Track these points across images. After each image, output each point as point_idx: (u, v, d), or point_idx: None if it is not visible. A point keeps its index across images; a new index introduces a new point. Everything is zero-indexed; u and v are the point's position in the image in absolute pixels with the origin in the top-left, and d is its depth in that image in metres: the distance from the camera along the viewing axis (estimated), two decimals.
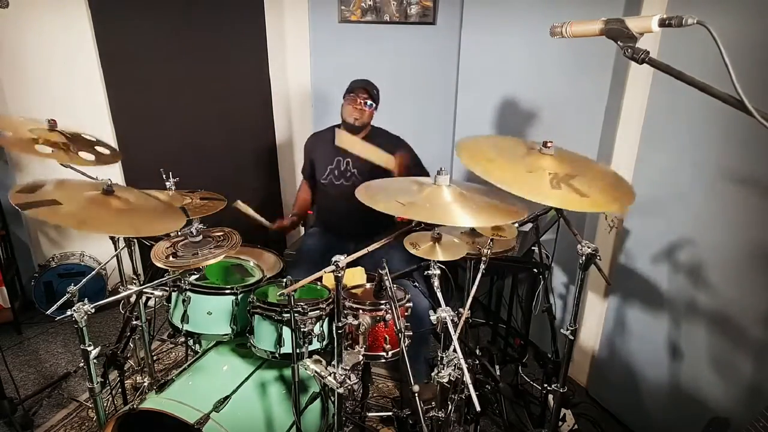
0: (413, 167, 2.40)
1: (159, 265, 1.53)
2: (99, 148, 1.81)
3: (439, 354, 1.50)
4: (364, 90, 2.28)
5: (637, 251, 2.09)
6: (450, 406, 1.60)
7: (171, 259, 1.55)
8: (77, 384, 2.39)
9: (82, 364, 1.41)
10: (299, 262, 2.34)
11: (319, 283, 1.74)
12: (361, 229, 2.26)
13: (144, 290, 1.62)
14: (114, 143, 2.97)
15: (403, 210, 1.33)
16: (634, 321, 2.14)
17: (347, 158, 2.37)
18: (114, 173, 2.98)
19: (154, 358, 2.46)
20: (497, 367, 2.38)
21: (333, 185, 2.41)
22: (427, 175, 2.41)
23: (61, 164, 1.71)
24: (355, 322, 1.57)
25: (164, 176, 2.00)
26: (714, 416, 1.61)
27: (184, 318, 1.67)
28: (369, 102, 2.28)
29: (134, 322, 1.92)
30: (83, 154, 1.71)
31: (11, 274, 2.86)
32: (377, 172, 2.21)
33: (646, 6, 1.91)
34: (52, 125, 1.74)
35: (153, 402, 1.49)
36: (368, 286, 1.78)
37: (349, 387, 1.44)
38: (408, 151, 2.45)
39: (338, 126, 2.42)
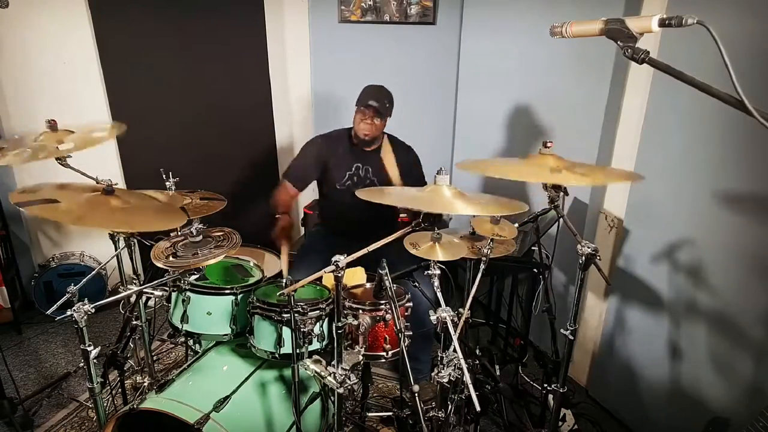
0: (417, 178, 2.41)
1: (159, 265, 1.53)
2: (96, 134, 1.82)
3: (439, 354, 1.50)
4: (373, 108, 2.22)
5: (636, 251, 2.09)
6: (450, 406, 1.60)
7: (171, 259, 1.55)
8: (77, 384, 2.39)
9: (82, 364, 1.41)
10: (300, 262, 2.34)
11: (319, 283, 1.74)
12: (368, 232, 2.26)
13: (144, 290, 1.62)
14: (114, 143, 2.97)
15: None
16: (634, 321, 2.14)
17: (366, 165, 2.35)
18: (114, 173, 2.98)
19: (154, 358, 2.46)
20: (497, 367, 2.38)
21: (350, 191, 2.35)
22: (424, 182, 2.41)
23: (60, 164, 1.70)
24: (355, 322, 1.57)
25: (164, 176, 2.00)
26: (714, 416, 1.61)
27: (184, 318, 1.67)
28: (378, 119, 2.25)
29: (134, 322, 1.92)
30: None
31: (11, 274, 2.86)
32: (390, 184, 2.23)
33: (646, 6, 1.91)
34: (52, 125, 1.73)
35: (153, 402, 1.49)
36: (368, 286, 1.78)
37: (349, 387, 1.44)
38: (416, 161, 2.46)
39: (350, 130, 2.41)
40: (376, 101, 2.22)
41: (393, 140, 2.42)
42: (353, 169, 2.36)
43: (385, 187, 1.65)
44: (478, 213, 1.53)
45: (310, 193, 2.55)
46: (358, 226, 2.36)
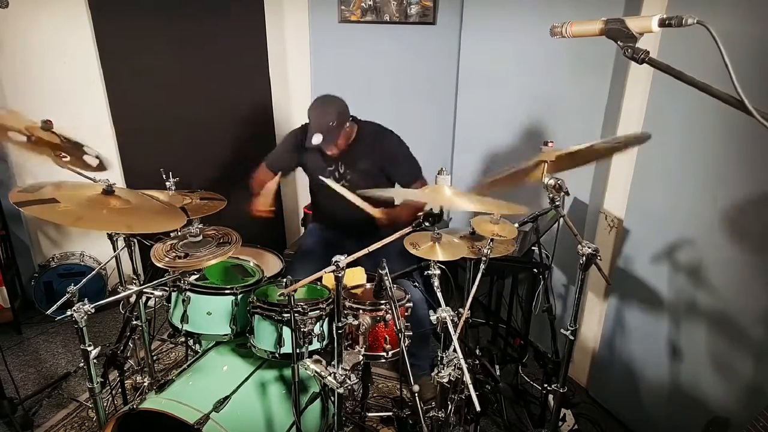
0: (402, 163, 2.32)
1: (160, 265, 1.52)
2: (86, 158, 1.82)
3: (439, 354, 1.50)
4: (317, 148, 2.12)
5: (637, 251, 2.09)
6: (450, 406, 1.60)
7: (175, 259, 1.54)
8: (77, 384, 2.39)
9: (82, 364, 1.41)
10: (299, 262, 2.34)
11: (319, 283, 1.74)
12: (359, 226, 2.26)
13: (144, 290, 1.62)
14: (114, 143, 2.97)
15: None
16: (634, 321, 2.14)
17: (342, 163, 2.36)
18: (114, 173, 2.98)
19: (154, 358, 2.45)
20: (497, 367, 2.38)
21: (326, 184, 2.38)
22: (417, 168, 2.33)
23: (59, 165, 1.70)
24: (355, 322, 1.57)
25: (164, 176, 2.00)
26: (714, 416, 1.61)
27: (184, 318, 1.67)
28: (330, 143, 2.15)
29: (134, 322, 1.92)
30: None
31: (11, 274, 2.86)
32: (373, 177, 2.21)
33: (646, 6, 1.91)
34: (48, 125, 1.72)
35: (153, 402, 1.49)
36: (368, 286, 1.78)
37: (349, 387, 1.44)
38: (396, 148, 2.33)
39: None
40: (322, 138, 2.09)
41: (366, 129, 2.31)
42: (332, 166, 2.36)
43: (384, 189, 1.63)
44: (477, 209, 1.53)
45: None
46: (346, 219, 2.35)
